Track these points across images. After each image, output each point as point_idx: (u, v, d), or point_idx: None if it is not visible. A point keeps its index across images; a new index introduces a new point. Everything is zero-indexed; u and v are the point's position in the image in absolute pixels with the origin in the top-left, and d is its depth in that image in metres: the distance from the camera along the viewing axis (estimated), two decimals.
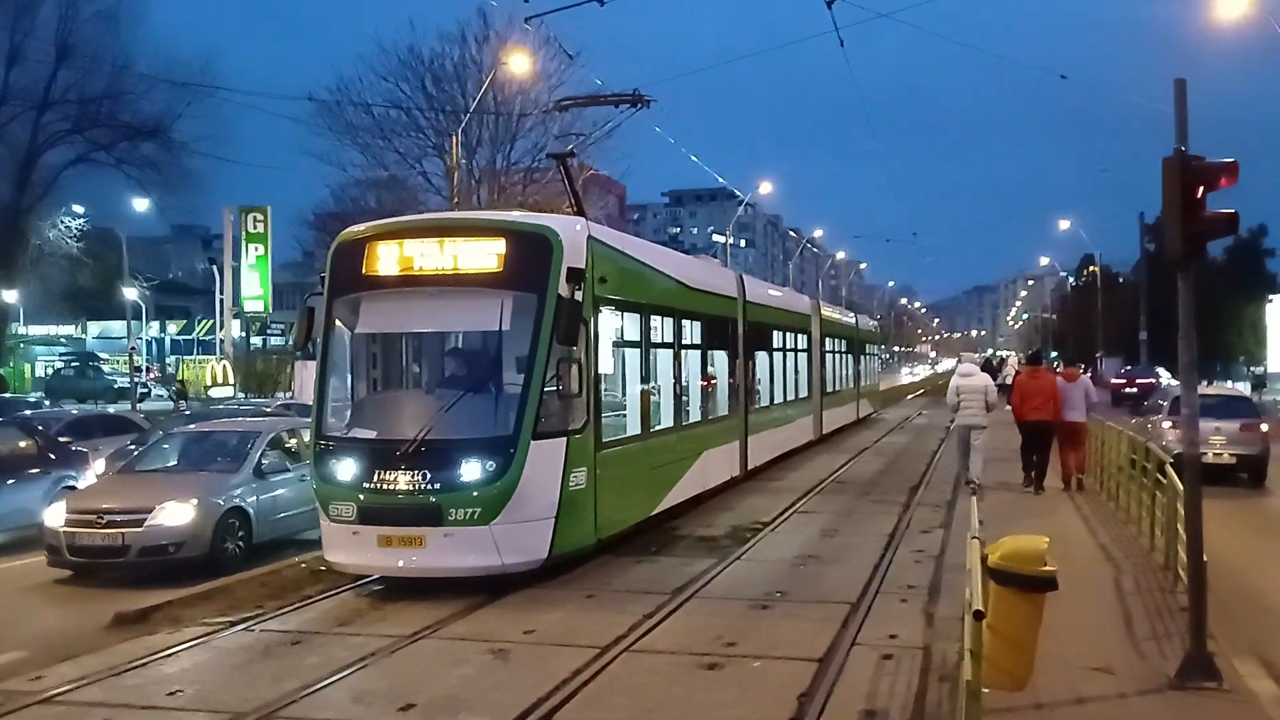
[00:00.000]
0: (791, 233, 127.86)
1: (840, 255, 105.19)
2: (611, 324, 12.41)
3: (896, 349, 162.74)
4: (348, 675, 7.99)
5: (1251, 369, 64.15)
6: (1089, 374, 25.92)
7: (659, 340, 14.27)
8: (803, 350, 25.02)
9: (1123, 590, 10.29)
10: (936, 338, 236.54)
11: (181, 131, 44.23)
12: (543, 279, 10.68)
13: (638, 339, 13.39)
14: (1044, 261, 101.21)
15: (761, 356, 20.68)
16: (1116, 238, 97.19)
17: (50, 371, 57.39)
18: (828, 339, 28.33)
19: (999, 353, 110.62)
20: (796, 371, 24.11)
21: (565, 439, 10.74)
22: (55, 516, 12.39)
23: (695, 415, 15.78)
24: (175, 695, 7.67)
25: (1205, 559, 7.78)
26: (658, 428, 13.97)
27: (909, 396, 63.41)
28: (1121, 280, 75.71)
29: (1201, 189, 7.68)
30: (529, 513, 10.37)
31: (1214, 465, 12.65)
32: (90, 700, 7.60)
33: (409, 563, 10.36)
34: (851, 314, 38.98)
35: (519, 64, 30.63)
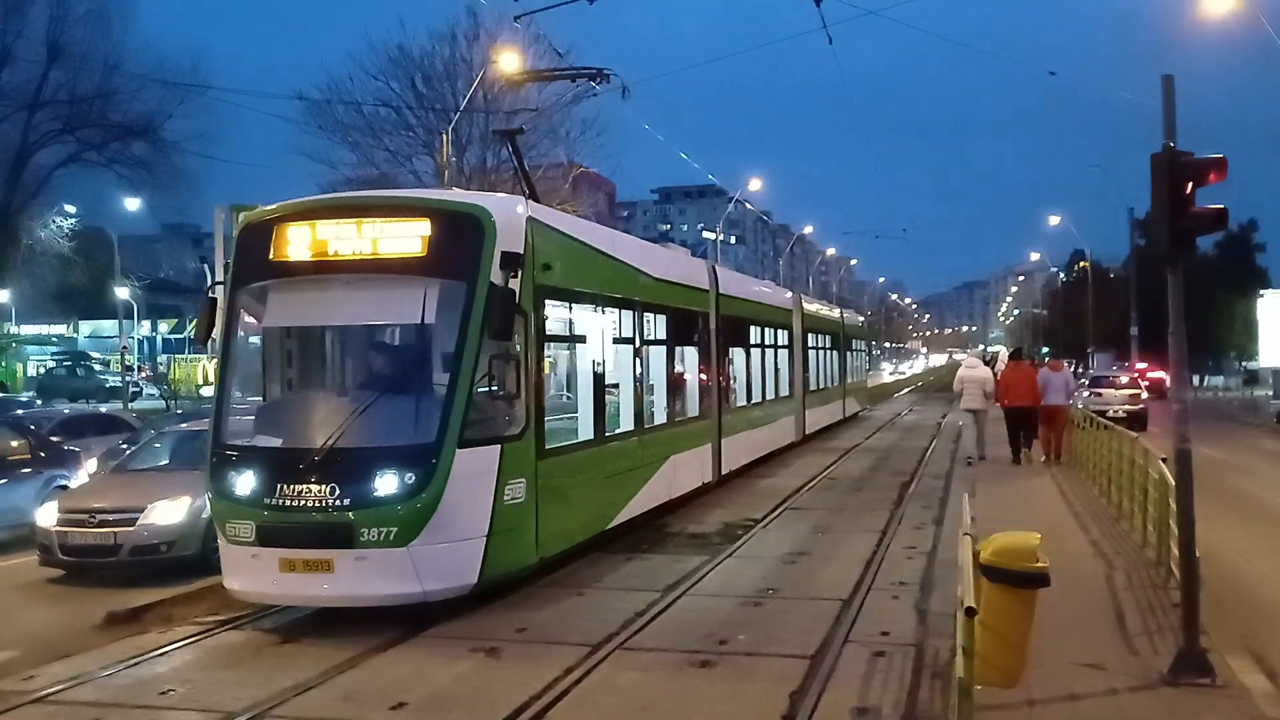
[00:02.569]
0: (784, 230, 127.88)
1: (830, 251, 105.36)
2: (558, 316, 11.36)
3: (888, 345, 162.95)
4: (339, 674, 7.98)
5: (1243, 364, 64.34)
6: (1075, 368, 31.02)
7: (616, 335, 13.12)
8: (783, 346, 24.12)
9: (1115, 586, 10.30)
10: (927, 334, 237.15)
11: (172, 131, 44.00)
12: (472, 265, 9.55)
13: (590, 333, 12.19)
14: (1034, 257, 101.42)
15: (737, 353, 19.75)
16: (1107, 233, 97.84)
17: (42, 371, 57.24)
18: (811, 334, 27.45)
19: (989, 349, 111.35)
20: (777, 369, 23.11)
21: (499, 446, 9.64)
22: (47, 516, 12.35)
23: (660, 417, 14.75)
24: (167, 694, 7.67)
25: (1198, 554, 7.79)
26: (614, 432, 12.85)
27: (901, 392, 63.56)
28: (1112, 275, 75.82)
29: (1190, 185, 7.69)
30: (455, 531, 9.20)
31: (1114, 418, 21.92)
32: (82, 700, 7.59)
33: (316, 591, 9.18)
34: (837, 308, 38.06)
35: (509, 62, 30.56)
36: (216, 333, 10.54)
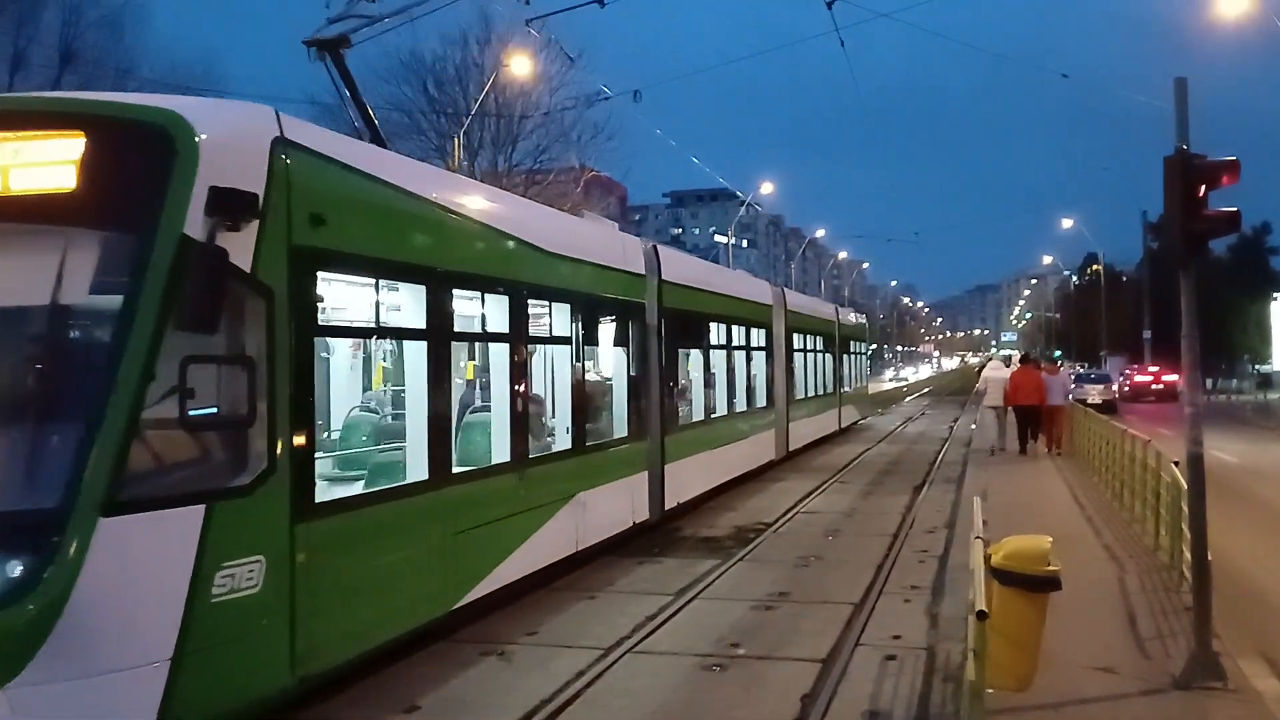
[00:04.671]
0: (796, 233, 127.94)
1: (842, 255, 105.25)
2: (350, 298, 8.11)
3: (900, 348, 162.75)
4: (352, 679, 7.99)
5: (1257, 367, 64.08)
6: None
7: (475, 330, 9.62)
8: (760, 349, 20.81)
9: (1127, 590, 10.26)
10: (939, 337, 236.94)
11: None
12: (151, 207, 5.98)
13: (421, 327, 8.38)
14: (1047, 260, 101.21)
15: (691, 357, 16.58)
16: (1120, 236, 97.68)
17: None
18: (796, 335, 24.15)
19: (1003, 352, 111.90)
20: (750, 376, 19.83)
21: (202, 507, 5.94)
22: None
23: (559, 442, 11.28)
24: None
25: (1210, 558, 7.76)
26: (471, 468, 9.20)
27: (909, 397, 63.41)
28: (1125, 279, 75.66)
29: (1203, 187, 7.66)
30: (101, 657, 5.48)
31: (1093, 404, 29.58)
32: None
33: None
34: (830, 305, 34.03)
35: (520, 66, 30.69)
36: None
